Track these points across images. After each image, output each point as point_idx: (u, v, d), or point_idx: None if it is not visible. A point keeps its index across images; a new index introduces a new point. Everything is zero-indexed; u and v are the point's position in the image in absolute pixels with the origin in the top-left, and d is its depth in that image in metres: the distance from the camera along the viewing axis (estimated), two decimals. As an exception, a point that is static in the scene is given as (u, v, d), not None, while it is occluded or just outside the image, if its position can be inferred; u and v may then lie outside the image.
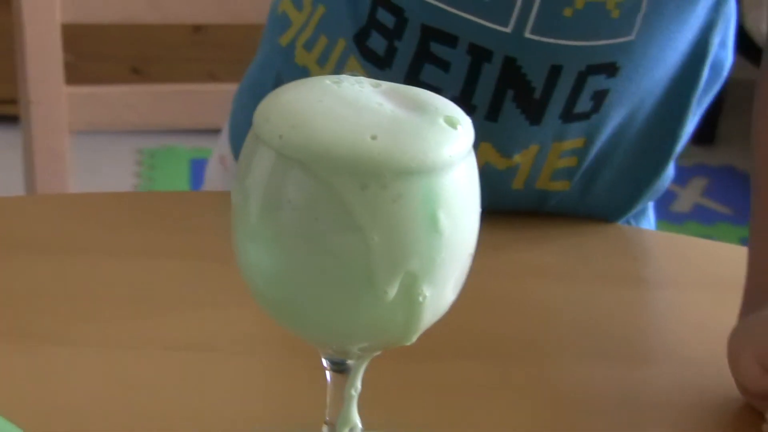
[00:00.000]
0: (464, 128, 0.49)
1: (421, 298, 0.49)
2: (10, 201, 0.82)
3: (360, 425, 0.53)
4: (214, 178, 0.98)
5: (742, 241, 2.61)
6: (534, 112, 0.78)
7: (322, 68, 0.82)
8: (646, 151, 0.85)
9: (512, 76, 0.77)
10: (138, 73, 2.51)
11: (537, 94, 0.77)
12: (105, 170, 2.44)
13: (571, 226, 0.84)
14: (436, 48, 0.77)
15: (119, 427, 0.60)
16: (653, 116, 0.83)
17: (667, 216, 2.71)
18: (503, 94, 0.77)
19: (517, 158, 0.80)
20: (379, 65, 0.79)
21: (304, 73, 0.83)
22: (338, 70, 0.81)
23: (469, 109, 0.76)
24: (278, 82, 0.87)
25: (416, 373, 0.64)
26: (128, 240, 0.76)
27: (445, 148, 0.48)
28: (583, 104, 0.78)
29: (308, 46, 0.82)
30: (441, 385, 0.65)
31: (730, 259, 0.81)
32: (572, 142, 0.80)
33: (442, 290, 0.50)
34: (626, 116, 0.82)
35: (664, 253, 0.84)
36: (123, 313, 0.69)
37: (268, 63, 0.89)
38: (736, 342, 0.64)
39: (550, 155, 0.80)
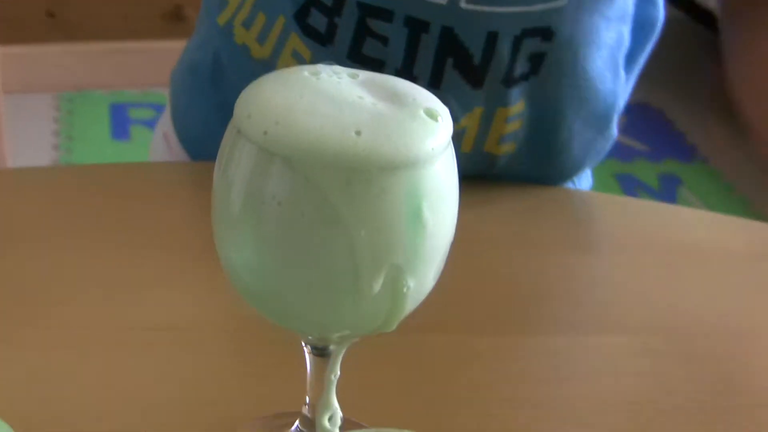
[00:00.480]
0: (444, 120, 0.50)
1: (405, 290, 0.49)
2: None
3: (340, 411, 0.54)
4: (158, 155, 0.98)
5: (659, 177, 2.66)
6: (475, 77, 0.79)
7: (263, 45, 0.82)
8: (590, 115, 0.86)
9: (451, 45, 0.78)
10: (53, 16, 2.46)
11: (476, 61, 0.78)
12: (22, 116, 2.40)
13: (520, 191, 0.85)
14: (374, 23, 0.77)
15: (96, 412, 0.60)
16: (592, 81, 0.84)
17: (586, 154, 2.75)
18: (443, 63, 0.78)
19: (463, 122, 0.81)
20: (321, 42, 0.79)
21: (244, 50, 0.83)
22: (279, 46, 0.81)
23: (411, 79, 0.77)
24: (216, 61, 0.87)
25: (383, 349, 0.64)
26: (86, 218, 0.76)
27: (427, 141, 0.48)
28: (522, 66, 0.80)
29: (247, 24, 0.82)
30: (409, 359, 0.66)
31: (677, 221, 0.84)
32: (516, 107, 0.81)
33: (424, 280, 0.51)
34: (566, 82, 0.83)
35: (612, 216, 0.85)
36: (92, 297, 0.69)
37: (205, 43, 0.89)
38: None
39: (496, 120, 0.81)
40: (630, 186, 2.62)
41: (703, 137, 2.91)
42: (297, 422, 0.57)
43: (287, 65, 0.81)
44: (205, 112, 0.89)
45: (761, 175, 2.73)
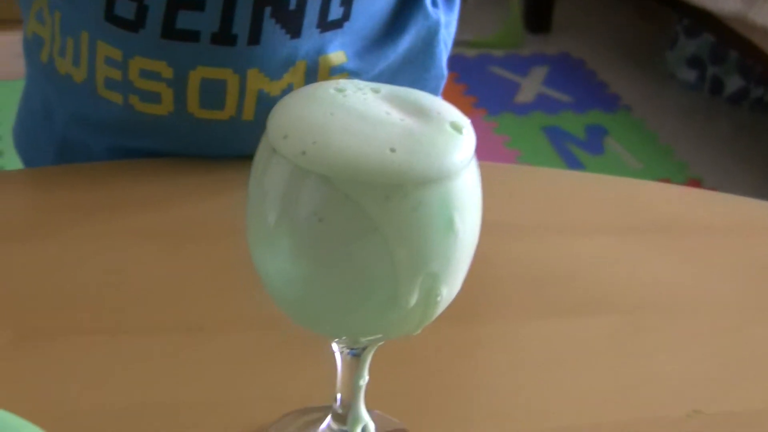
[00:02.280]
0: (468, 131, 0.52)
1: (438, 299, 0.52)
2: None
3: (372, 423, 0.55)
4: None
5: (586, 129, 2.71)
6: (293, 24, 0.81)
7: (78, 68, 0.83)
8: (407, 51, 0.88)
9: None
10: None
11: (292, 5, 0.80)
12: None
13: (495, 171, 0.88)
14: None
15: (124, 415, 0.62)
16: (399, 18, 0.87)
17: (512, 107, 2.79)
18: (262, 14, 0.79)
19: (286, 77, 0.83)
20: (132, 29, 0.80)
21: (67, 79, 0.85)
22: (92, 61, 0.82)
23: (230, 40, 0.79)
24: (45, 101, 0.89)
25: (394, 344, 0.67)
26: (104, 218, 0.77)
27: (456, 154, 0.51)
28: (335, 11, 0.82)
29: (62, 53, 0.84)
30: (421, 350, 0.68)
31: (653, 197, 0.87)
32: (336, 57, 0.84)
33: (454, 286, 0.53)
34: (376, 27, 0.85)
35: (591, 195, 0.88)
36: (117, 299, 0.70)
37: (34, 87, 0.92)
38: None
39: (321, 73, 0.83)
40: (558, 138, 2.66)
41: (624, 86, 2.96)
42: (329, 418, 0.60)
43: (105, 76, 0.82)
44: (51, 152, 0.91)
45: (682, 122, 2.80)
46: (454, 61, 3.14)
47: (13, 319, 0.67)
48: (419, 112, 0.52)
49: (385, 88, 0.54)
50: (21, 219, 0.76)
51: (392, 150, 0.49)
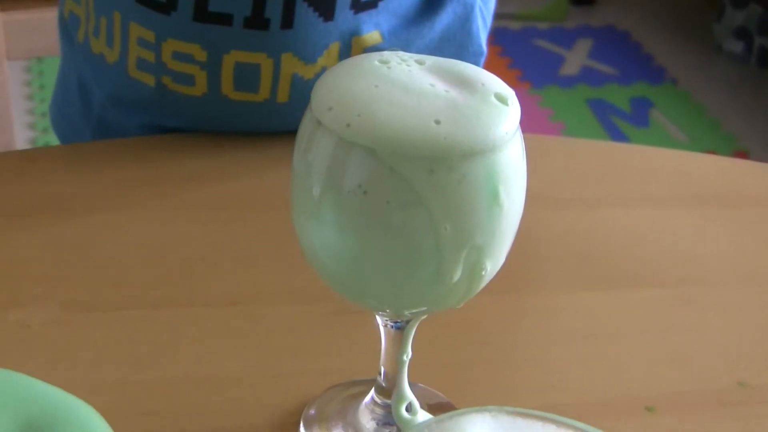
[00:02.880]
0: (513, 103, 0.52)
1: (483, 273, 0.52)
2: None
3: (416, 401, 0.55)
4: None
5: (632, 102, 2.69)
6: (325, 7, 0.80)
7: (111, 48, 0.83)
8: (445, 29, 0.87)
9: None
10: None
11: None
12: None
13: (537, 144, 0.87)
14: None
15: (167, 390, 0.62)
16: None
17: (557, 80, 2.77)
18: None
19: (320, 61, 0.82)
20: (164, 11, 0.79)
21: (101, 59, 0.85)
22: (125, 43, 0.82)
23: (263, 24, 0.79)
24: (81, 81, 0.89)
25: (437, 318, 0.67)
26: (137, 194, 0.77)
27: (501, 126, 0.50)
28: None
29: (96, 32, 0.84)
30: (465, 323, 0.68)
31: (700, 169, 0.86)
32: (370, 37, 0.83)
33: (498, 261, 0.53)
34: (411, 6, 0.84)
35: (637, 167, 0.87)
36: (159, 274, 0.70)
37: (70, 68, 0.92)
38: None
39: (355, 54, 0.82)
40: (602, 111, 2.64)
41: (670, 59, 2.93)
42: (372, 391, 0.60)
43: (137, 56, 0.82)
44: (88, 132, 0.91)
45: (728, 94, 2.77)
46: (498, 34, 3.11)
47: (59, 293, 0.68)
48: (464, 83, 0.52)
49: (430, 60, 0.53)
50: (65, 194, 0.77)
51: (437, 122, 0.49)
